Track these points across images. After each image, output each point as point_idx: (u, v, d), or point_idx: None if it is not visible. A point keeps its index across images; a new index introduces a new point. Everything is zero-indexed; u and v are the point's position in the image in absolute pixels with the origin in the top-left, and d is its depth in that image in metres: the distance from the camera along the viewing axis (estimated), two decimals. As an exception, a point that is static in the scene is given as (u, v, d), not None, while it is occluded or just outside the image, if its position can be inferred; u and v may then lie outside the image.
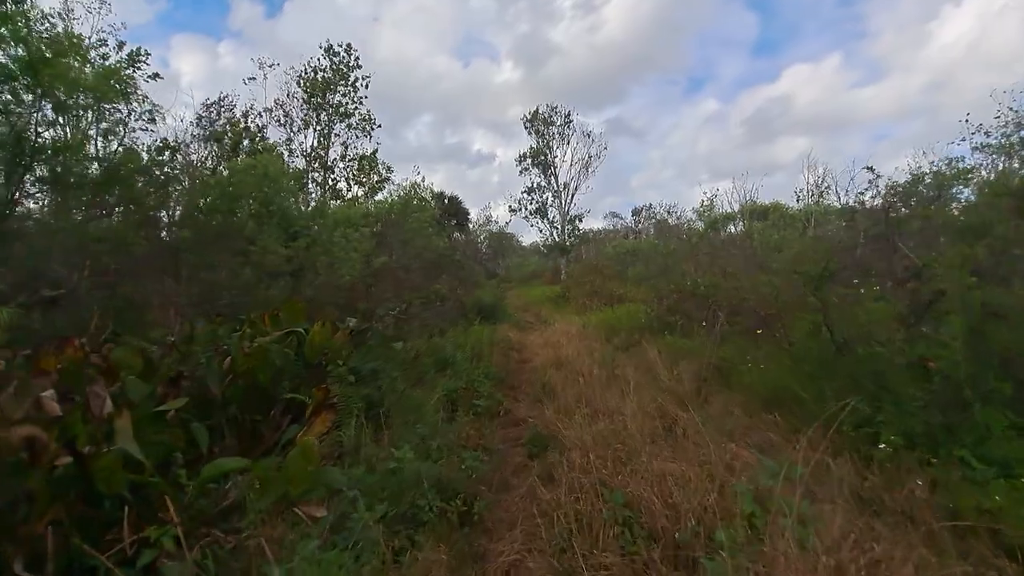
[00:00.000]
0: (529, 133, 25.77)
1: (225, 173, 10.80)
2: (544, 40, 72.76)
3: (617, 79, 75.07)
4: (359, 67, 20.53)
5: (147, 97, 14.22)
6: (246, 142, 14.47)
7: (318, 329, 4.77)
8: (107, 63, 11.46)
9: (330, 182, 18.96)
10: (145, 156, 9.50)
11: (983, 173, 12.84)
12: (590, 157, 25.74)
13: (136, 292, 6.10)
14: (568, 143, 25.67)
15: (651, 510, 2.60)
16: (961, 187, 11.33)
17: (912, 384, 3.03)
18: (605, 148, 26.00)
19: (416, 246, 13.68)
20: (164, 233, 8.93)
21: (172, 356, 4.40)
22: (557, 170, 25.99)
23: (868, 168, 8.72)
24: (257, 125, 18.75)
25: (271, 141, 17.33)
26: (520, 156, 25.98)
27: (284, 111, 17.96)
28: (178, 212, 9.89)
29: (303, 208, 15.11)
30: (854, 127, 54.90)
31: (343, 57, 20.32)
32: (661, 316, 9.00)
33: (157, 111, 16.20)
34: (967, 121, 14.14)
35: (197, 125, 18.61)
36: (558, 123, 25.36)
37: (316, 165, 19.11)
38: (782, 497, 2.34)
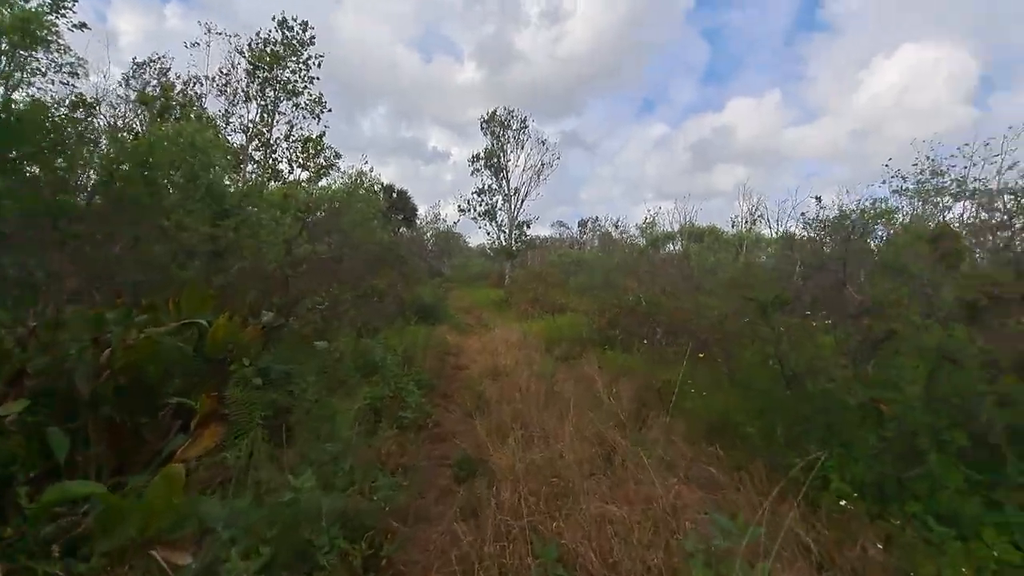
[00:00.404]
0: (485, 134, 25.30)
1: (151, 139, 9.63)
2: (508, 44, 72.78)
3: (576, 92, 76.25)
4: (312, 44, 19.32)
5: (69, 48, 12.64)
6: (177, 108, 13.07)
7: (222, 322, 4.07)
8: (28, 6, 10.09)
9: (270, 161, 17.63)
10: (55, 110, 8.27)
11: (899, 217, 13.69)
12: (543, 164, 25.60)
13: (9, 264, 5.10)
14: (522, 148, 25.41)
15: (588, 569, 2.19)
16: (881, 226, 11.97)
17: (863, 428, 2.82)
18: (558, 157, 25.93)
19: (356, 237, 12.88)
20: (84, 198, 7.80)
21: (32, 345, 3.60)
22: (509, 174, 25.65)
23: (816, 198, 8.94)
24: (196, 93, 17.20)
25: (209, 112, 15.90)
26: (473, 156, 25.46)
27: (226, 80, 16.49)
28: (91, 177, 8.71)
29: (239, 186, 13.89)
30: (788, 162, 58.30)
31: (297, 32, 19.03)
32: (602, 329, 8.77)
33: (80, 65, 14.48)
34: (887, 166, 15.15)
35: (125, 85, 16.84)
36: (514, 127, 25.05)
37: (257, 143, 17.73)
38: (739, 561, 1.99)
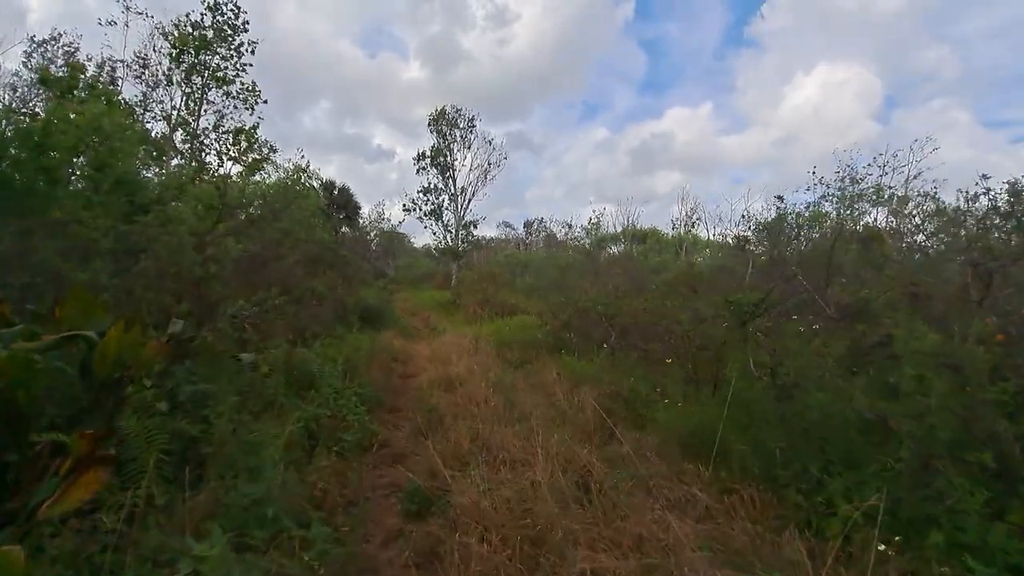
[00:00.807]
0: (432, 131, 24.39)
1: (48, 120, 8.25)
2: (454, 45, 71.91)
3: (521, 95, 76.12)
4: (246, 31, 17.81)
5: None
6: (85, 89, 11.48)
7: (115, 334, 3.25)
8: None
9: (197, 154, 16.06)
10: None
11: (827, 221, 14.23)
12: (489, 164, 25.02)
13: None
14: (469, 148, 24.73)
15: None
16: (814, 229, 12.38)
17: (869, 445, 2.53)
18: (505, 158, 25.43)
19: (295, 235, 11.90)
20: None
21: None
22: (456, 173, 24.92)
23: (778, 197, 8.99)
24: (110, 76, 15.41)
25: (124, 97, 14.21)
26: (419, 154, 24.45)
27: (142, 64, 14.89)
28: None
29: (162, 177, 12.43)
30: (718, 169, 60.76)
31: (228, 17, 17.47)
32: (556, 332, 8.38)
33: (-30, 40, 12.70)
34: (813, 173, 15.78)
35: (27, 66, 14.84)
36: (462, 126, 24.33)
37: (182, 133, 16.09)
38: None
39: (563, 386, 5.70)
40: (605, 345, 6.28)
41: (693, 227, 25.22)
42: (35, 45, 14.96)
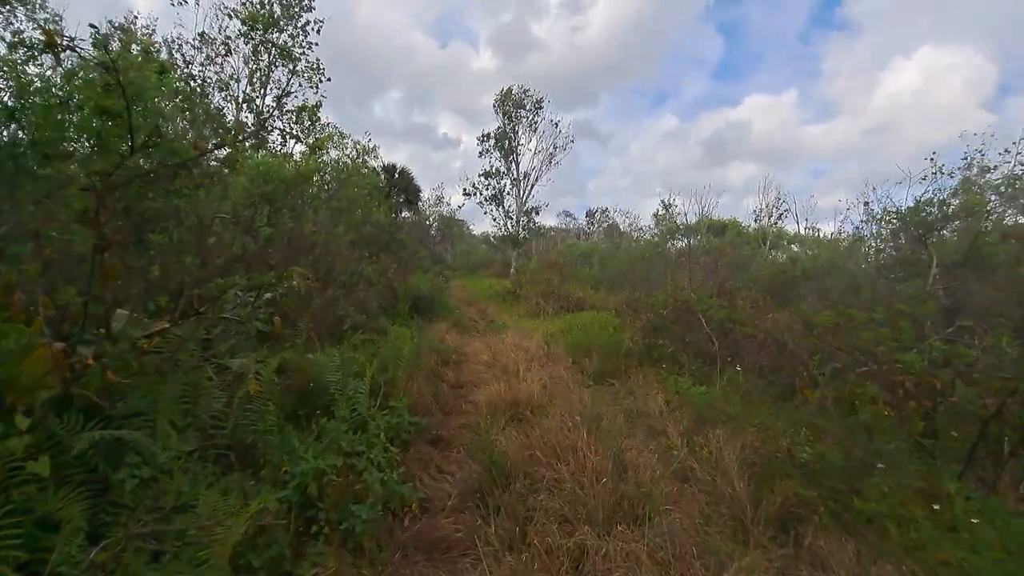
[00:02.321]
0: (497, 113, 22.69)
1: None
2: (526, 33, 70.06)
3: (590, 83, 73.33)
4: (311, 9, 16.93)
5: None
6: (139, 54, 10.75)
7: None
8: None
9: (259, 130, 15.34)
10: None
11: (985, 211, 11.16)
12: (555, 148, 23.03)
13: None
14: (535, 130, 22.86)
15: None
16: (966, 220, 9.61)
17: None
18: (572, 141, 23.34)
19: (347, 216, 10.75)
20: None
21: None
22: (519, 157, 23.16)
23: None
24: (180, 56, 14.96)
25: (188, 72, 13.58)
26: (483, 135, 22.85)
27: (201, 38, 14.28)
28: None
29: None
30: (798, 160, 55.22)
31: (295, -5, 16.63)
32: (646, 337, 6.56)
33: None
34: (932, 160, 12.37)
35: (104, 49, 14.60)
36: (528, 107, 22.48)
37: (246, 109, 15.43)
38: None
39: (677, 421, 3.93)
40: (738, 367, 4.41)
41: (780, 219, 22.15)
42: (114, 29, 14.65)
